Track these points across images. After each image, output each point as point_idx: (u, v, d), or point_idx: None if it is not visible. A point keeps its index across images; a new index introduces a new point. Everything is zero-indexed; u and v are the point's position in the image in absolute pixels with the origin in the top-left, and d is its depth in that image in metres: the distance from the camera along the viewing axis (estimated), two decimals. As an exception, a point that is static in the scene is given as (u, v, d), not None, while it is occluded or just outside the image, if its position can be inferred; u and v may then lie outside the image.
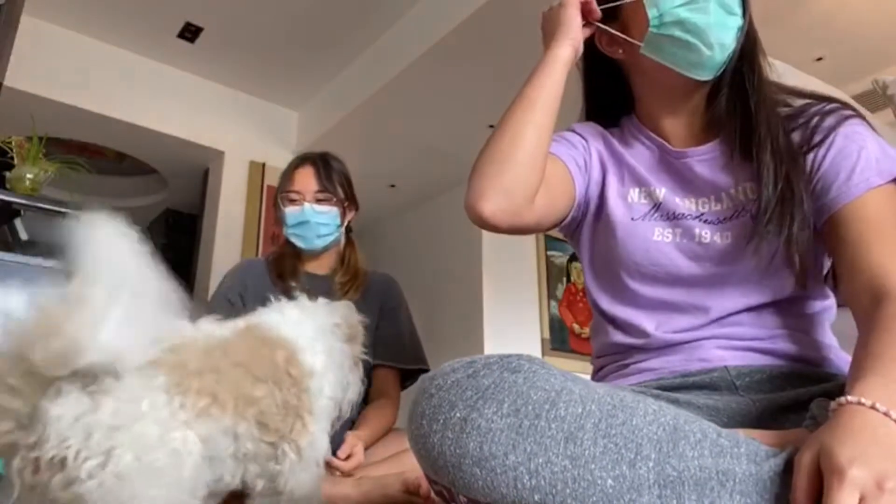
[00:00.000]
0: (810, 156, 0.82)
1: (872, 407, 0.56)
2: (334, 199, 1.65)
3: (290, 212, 1.63)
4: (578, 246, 1.00)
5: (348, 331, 1.07)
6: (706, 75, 0.87)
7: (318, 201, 1.63)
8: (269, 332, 0.96)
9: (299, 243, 1.64)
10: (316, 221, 1.62)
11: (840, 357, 0.85)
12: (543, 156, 0.86)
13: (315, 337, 1.00)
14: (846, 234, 0.77)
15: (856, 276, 0.76)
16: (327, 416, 0.99)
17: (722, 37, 0.84)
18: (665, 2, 0.85)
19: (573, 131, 1.00)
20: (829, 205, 0.80)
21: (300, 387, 0.91)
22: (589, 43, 0.95)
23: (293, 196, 1.64)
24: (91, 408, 0.64)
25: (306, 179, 1.65)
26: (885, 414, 0.56)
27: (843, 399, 0.59)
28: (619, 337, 0.91)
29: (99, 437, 0.62)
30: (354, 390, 1.08)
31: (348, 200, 1.69)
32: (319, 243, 1.64)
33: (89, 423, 0.62)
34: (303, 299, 1.09)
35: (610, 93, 1.00)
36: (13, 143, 2.23)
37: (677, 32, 0.85)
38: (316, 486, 0.95)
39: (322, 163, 1.68)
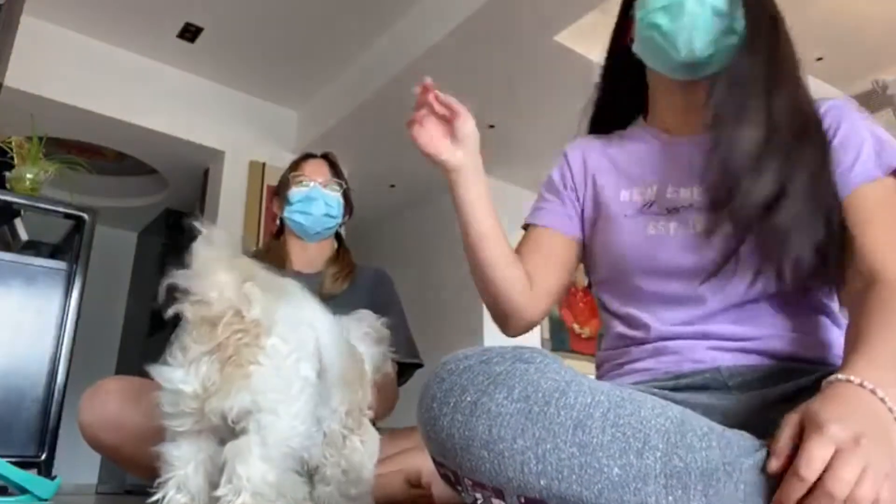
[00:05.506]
0: None
1: (860, 385, 0.59)
2: (342, 191, 1.68)
3: (299, 190, 1.63)
4: (586, 254, 1.02)
5: (376, 335, 1.17)
6: (681, 76, 0.90)
7: (328, 187, 1.66)
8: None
9: (303, 221, 1.62)
10: (325, 201, 1.63)
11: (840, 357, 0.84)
12: (512, 279, 0.93)
13: (370, 353, 1.14)
14: (844, 223, 0.79)
15: (850, 262, 0.78)
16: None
17: (694, 39, 0.85)
18: (645, 5, 0.89)
19: (564, 159, 1.04)
20: None
21: (365, 390, 1.07)
22: (613, 50, 1.01)
23: (303, 179, 1.65)
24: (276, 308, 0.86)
25: (318, 169, 1.68)
26: (872, 391, 0.58)
27: (832, 378, 0.61)
28: (621, 328, 0.92)
29: (278, 326, 0.82)
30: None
31: (348, 201, 1.73)
32: (325, 224, 1.64)
33: (278, 314, 0.84)
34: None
35: (624, 95, 1.04)
36: (13, 143, 2.23)
37: (653, 34, 0.89)
38: (371, 478, 1.05)
39: (331, 160, 1.73)
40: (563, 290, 1.00)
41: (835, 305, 0.87)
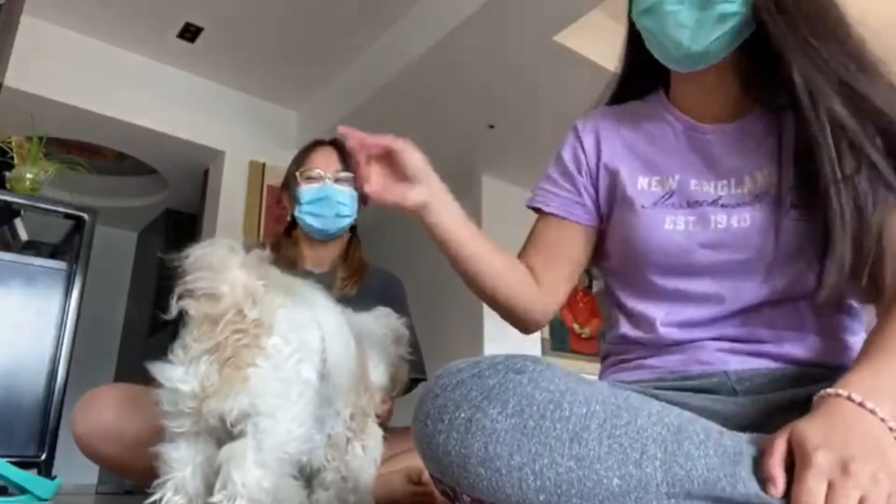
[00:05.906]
0: None
1: (849, 398, 0.58)
2: (354, 181, 1.56)
3: (309, 188, 1.54)
4: (599, 240, 0.98)
5: (393, 335, 1.16)
6: (686, 69, 0.85)
7: (339, 181, 1.56)
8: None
9: (315, 223, 1.55)
10: (337, 200, 1.54)
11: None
12: (515, 285, 0.92)
13: (379, 357, 1.12)
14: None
15: (883, 268, 0.74)
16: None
17: (681, 37, 0.81)
18: (633, 9, 0.87)
19: (575, 136, 0.98)
20: None
21: (371, 393, 1.05)
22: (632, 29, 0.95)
23: (313, 174, 1.55)
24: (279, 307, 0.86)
25: (327, 159, 1.58)
26: (860, 404, 0.57)
27: (823, 392, 0.60)
28: (626, 329, 0.89)
29: (279, 325, 0.82)
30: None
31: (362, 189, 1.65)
32: (338, 224, 1.56)
33: (279, 313, 0.84)
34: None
35: (643, 69, 0.97)
36: (13, 143, 2.23)
37: (646, 36, 0.86)
38: (371, 483, 1.04)
39: (340, 146, 1.62)
40: (577, 278, 0.97)
41: (855, 312, 0.83)
